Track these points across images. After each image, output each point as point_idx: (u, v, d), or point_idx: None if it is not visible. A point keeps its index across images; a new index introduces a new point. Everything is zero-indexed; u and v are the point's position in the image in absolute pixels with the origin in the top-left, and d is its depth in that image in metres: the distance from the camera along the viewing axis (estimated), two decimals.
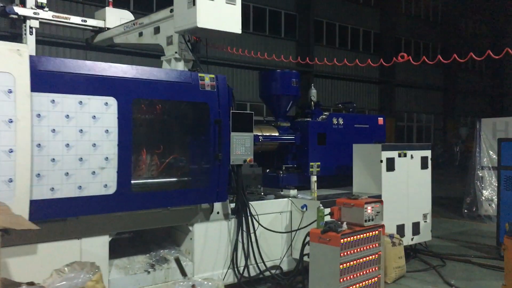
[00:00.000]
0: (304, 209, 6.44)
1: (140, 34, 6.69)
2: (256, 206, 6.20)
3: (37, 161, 4.32)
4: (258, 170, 7.83)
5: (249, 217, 6.01)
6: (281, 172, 7.32)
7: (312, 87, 8.13)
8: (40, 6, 6.26)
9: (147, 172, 5.53)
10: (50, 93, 4.40)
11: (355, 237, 5.42)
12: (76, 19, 6.86)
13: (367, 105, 28.35)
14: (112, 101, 4.76)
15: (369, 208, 5.60)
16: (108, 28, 7.09)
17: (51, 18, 6.40)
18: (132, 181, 5.02)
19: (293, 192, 6.95)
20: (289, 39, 24.54)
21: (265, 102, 7.71)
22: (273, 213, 6.49)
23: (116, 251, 5.44)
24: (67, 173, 4.49)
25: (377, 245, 5.70)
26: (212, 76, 5.56)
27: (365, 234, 5.56)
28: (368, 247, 5.60)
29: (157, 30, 6.32)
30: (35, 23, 6.20)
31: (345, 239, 5.28)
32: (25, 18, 6.08)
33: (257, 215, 6.17)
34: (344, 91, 27.00)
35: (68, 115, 4.49)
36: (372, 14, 28.80)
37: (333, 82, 26.49)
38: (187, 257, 5.71)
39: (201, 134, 5.62)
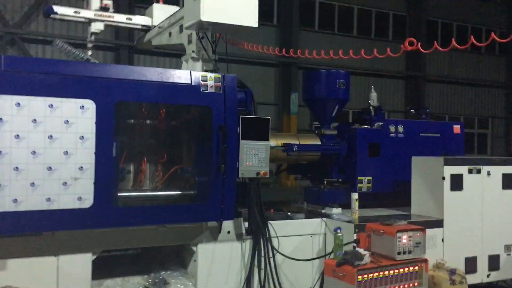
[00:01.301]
0: (338, 232, 5.42)
1: (170, 34, 6.21)
2: (279, 227, 5.35)
3: None
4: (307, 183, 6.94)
5: (266, 240, 5.16)
6: (324, 187, 6.35)
7: (372, 89, 7.02)
8: (105, 8, 6.00)
9: (139, 183, 4.97)
10: (15, 95, 4.01)
11: (381, 273, 4.34)
12: (120, 17, 6.37)
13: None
14: (90, 104, 4.26)
15: (404, 237, 4.50)
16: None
17: (94, 18, 5.98)
18: (118, 194, 4.48)
19: (336, 210, 5.99)
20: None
21: (309, 107, 6.79)
22: (302, 235, 5.56)
23: (113, 269, 4.95)
24: (33, 183, 4.07)
25: (416, 284, 4.54)
26: (218, 76, 4.84)
27: (397, 270, 4.44)
28: (402, 287, 4.47)
29: (181, 29, 5.77)
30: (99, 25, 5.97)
31: (366, 276, 4.24)
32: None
33: (279, 236, 5.30)
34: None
35: (35, 120, 4.07)
36: None
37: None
38: (190, 281, 5.03)
39: (203, 142, 4.92)
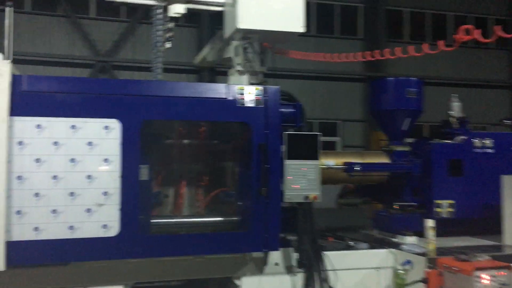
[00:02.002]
0: (407, 266, 4.61)
1: (221, 49, 5.85)
2: (337, 258, 4.66)
3: (17, 196, 3.72)
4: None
5: (320, 273, 4.50)
6: (395, 212, 5.53)
7: (454, 99, 6.10)
8: None
9: (178, 209, 4.56)
10: (36, 116, 3.80)
11: None
12: None
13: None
14: (115, 124, 3.94)
15: (485, 277, 3.61)
16: None
17: None
18: (152, 221, 4.11)
19: (410, 239, 5.18)
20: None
21: (376, 120, 6.02)
22: (365, 268, 4.82)
23: None
24: (55, 210, 3.80)
25: None
26: (258, 88, 4.33)
27: None
28: None
29: (229, 41, 5.38)
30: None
31: None
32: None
33: (337, 270, 4.61)
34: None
35: (56, 142, 3.83)
36: None
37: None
38: None
39: (246, 162, 4.41)
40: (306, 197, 4.38)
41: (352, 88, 18.93)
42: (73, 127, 3.87)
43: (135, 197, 3.97)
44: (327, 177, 5.05)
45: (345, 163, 5.24)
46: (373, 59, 6.33)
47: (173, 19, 5.18)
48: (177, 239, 4.18)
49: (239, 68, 5.04)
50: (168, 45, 5.35)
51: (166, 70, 5.40)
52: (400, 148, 5.64)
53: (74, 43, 16.98)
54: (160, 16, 5.20)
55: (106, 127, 3.93)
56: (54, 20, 16.92)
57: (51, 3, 16.76)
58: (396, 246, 5.05)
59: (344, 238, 5.30)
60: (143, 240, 4.01)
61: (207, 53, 6.37)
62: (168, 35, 5.28)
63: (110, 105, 3.95)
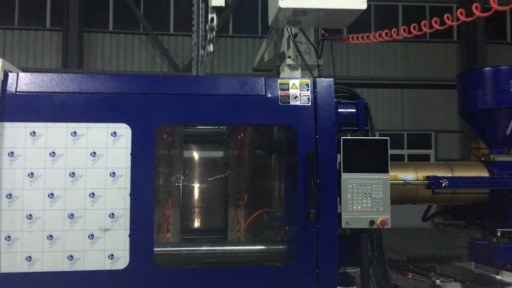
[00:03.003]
0: None
1: (276, 44, 5.02)
2: None
3: (6, 218, 3.08)
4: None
5: None
6: (498, 240, 4.26)
7: None
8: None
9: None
10: (30, 122, 3.15)
11: None
12: None
13: None
14: (124, 130, 3.20)
15: None
16: None
17: None
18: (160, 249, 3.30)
19: None
20: None
21: (469, 123, 4.77)
22: None
23: None
24: (51, 235, 3.11)
25: None
26: (305, 82, 3.39)
27: None
28: None
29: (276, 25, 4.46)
30: None
31: None
32: None
33: None
34: None
35: (53, 152, 3.15)
36: None
37: None
38: None
39: (288, 176, 3.47)
40: (372, 222, 3.33)
41: (446, 95, 17.13)
42: (74, 133, 3.17)
43: (149, 220, 3.18)
44: (403, 196, 3.98)
45: (428, 177, 4.09)
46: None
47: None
48: (204, 274, 3.30)
49: (289, 62, 4.14)
50: (210, 48, 4.58)
51: None
52: (503, 158, 4.36)
53: (154, 60, 17.01)
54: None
55: (114, 134, 3.19)
56: (136, 38, 17.09)
57: (131, 22, 16.95)
58: (500, 286, 3.81)
59: (429, 274, 4.13)
60: (159, 274, 3.20)
61: (263, 51, 5.56)
62: (210, 35, 4.47)
63: (118, 106, 3.22)
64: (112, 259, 3.14)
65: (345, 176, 3.33)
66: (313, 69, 4.13)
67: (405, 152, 16.16)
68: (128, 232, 3.14)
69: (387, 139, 3.41)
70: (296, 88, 3.36)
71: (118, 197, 3.16)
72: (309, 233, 3.26)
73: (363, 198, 3.34)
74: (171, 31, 17.31)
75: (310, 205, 3.20)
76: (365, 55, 16.79)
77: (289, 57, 4.17)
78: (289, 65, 4.14)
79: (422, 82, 16.36)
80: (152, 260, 3.17)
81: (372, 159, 3.37)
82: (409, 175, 4.15)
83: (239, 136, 3.82)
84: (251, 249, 3.65)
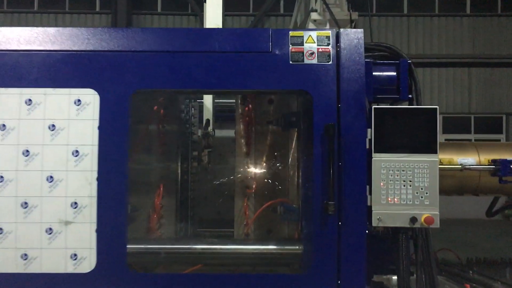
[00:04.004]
0: None
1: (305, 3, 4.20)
2: None
3: None
4: None
5: None
6: None
7: None
8: None
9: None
10: None
11: None
12: None
13: None
14: (91, 97, 2.53)
15: None
16: None
17: None
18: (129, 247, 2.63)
19: None
20: None
21: None
22: None
23: None
24: (0, 228, 2.51)
25: None
26: (326, 33, 2.57)
27: None
28: None
29: None
30: None
31: None
32: None
33: None
34: None
35: (3, 125, 2.53)
36: None
37: None
38: None
39: (302, 158, 2.68)
40: (413, 220, 2.48)
41: None
42: (28, 101, 2.54)
43: (121, 212, 2.50)
44: (461, 185, 3.07)
45: (495, 161, 3.15)
46: None
47: None
48: (196, 281, 2.59)
49: (315, 16, 3.32)
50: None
51: None
52: None
53: None
54: None
55: (78, 102, 2.53)
56: (185, 19, 16.62)
57: (179, 3, 16.49)
58: None
59: (492, 285, 3.21)
60: (132, 280, 2.52)
61: (296, 15, 4.75)
62: None
63: (82, 67, 2.54)
64: (75, 259, 2.49)
65: (377, 157, 2.49)
66: (344, 26, 3.28)
67: (472, 137, 14.80)
68: (94, 227, 2.49)
69: (436, 107, 2.53)
70: (313, 42, 2.55)
71: (83, 181, 2.49)
72: (327, 232, 2.47)
73: (402, 188, 2.49)
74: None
75: (329, 196, 2.40)
76: (427, 31, 15.45)
77: (315, 10, 3.35)
78: (314, 21, 3.33)
79: (492, 60, 14.84)
80: (124, 262, 2.50)
81: (415, 136, 2.51)
82: (469, 159, 3.22)
83: (247, 108, 3.06)
84: (257, 249, 2.88)
